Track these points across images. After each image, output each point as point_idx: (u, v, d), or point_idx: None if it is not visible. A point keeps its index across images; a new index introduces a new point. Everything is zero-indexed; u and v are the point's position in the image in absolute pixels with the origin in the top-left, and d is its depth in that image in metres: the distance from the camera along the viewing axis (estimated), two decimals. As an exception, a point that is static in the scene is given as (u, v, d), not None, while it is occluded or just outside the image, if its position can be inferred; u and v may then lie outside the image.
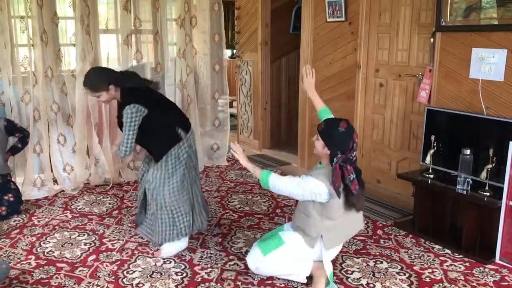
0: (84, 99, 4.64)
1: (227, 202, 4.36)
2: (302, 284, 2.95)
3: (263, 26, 5.83)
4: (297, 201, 2.92)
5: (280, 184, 2.71)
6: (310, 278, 2.91)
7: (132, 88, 3.17)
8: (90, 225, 3.84)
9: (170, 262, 3.22)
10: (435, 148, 3.62)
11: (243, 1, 6.08)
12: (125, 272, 3.09)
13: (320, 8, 4.84)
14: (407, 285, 2.95)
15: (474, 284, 2.98)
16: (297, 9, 5.92)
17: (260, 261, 2.84)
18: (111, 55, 4.89)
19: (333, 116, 2.99)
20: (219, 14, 5.42)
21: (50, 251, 3.39)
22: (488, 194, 3.26)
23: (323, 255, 2.79)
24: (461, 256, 3.32)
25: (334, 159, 2.62)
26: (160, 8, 4.95)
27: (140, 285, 2.94)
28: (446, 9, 3.64)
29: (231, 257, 3.30)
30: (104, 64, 4.78)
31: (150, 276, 3.04)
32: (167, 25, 5.11)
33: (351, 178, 2.62)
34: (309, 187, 2.65)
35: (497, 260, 3.24)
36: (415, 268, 3.16)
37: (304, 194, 2.67)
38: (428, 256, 3.33)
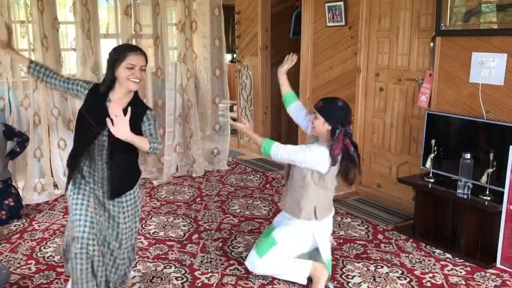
0: (84, 103, 4.64)
1: (227, 206, 4.36)
2: (302, 285, 2.95)
3: (263, 30, 5.84)
4: (287, 179, 3.00)
5: (283, 151, 2.76)
6: (310, 280, 2.91)
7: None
8: (90, 229, 3.84)
9: (171, 267, 3.21)
10: (436, 152, 3.62)
11: (243, 5, 6.09)
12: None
13: (320, 12, 4.85)
14: (408, 290, 2.95)
15: (475, 288, 2.98)
16: (297, 14, 5.93)
17: (257, 263, 2.90)
18: (112, 59, 4.89)
19: (298, 101, 3.20)
20: (220, 19, 5.44)
21: (51, 255, 3.38)
22: (488, 198, 3.25)
23: (317, 239, 2.87)
24: (462, 260, 3.31)
25: (337, 131, 2.74)
26: (160, 12, 4.97)
27: (140, 290, 2.94)
28: (446, 14, 3.65)
29: (231, 261, 3.29)
30: (104, 68, 4.77)
31: (150, 281, 3.03)
32: (167, 30, 5.13)
33: (352, 151, 2.75)
34: (314, 154, 2.73)
35: (498, 264, 3.24)
36: (415, 272, 3.15)
37: (307, 160, 2.73)
38: (429, 260, 3.32)
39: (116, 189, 2.49)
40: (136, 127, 2.37)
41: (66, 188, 2.55)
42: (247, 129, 2.99)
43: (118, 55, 2.42)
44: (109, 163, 2.44)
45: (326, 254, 2.92)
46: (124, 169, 2.50)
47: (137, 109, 2.43)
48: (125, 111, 2.26)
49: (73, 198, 2.50)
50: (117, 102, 2.43)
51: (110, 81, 2.45)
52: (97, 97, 2.46)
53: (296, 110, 3.20)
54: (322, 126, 2.79)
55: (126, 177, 2.53)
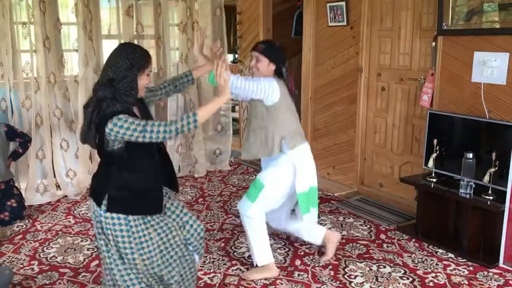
0: (86, 104, 4.64)
1: (229, 206, 4.36)
2: (305, 285, 2.95)
3: (265, 30, 5.84)
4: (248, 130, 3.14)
5: (241, 80, 2.86)
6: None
7: None
8: (93, 230, 3.84)
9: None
10: (438, 152, 3.61)
11: (245, 6, 6.09)
12: (128, 278, 3.08)
13: (321, 12, 4.85)
14: (411, 290, 2.95)
15: (478, 288, 2.97)
16: (298, 14, 5.94)
17: (251, 208, 3.05)
18: (114, 60, 4.90)
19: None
20: (221, 19, 5.44)
21: (53, 256, 3.39)
22: (491, 198, 3.25)
23: (297, 169, 3.02)
24: (464, 260, 3.31)
25: (283, 70, 3.01)
26: (162, 13, 4.97)
27: (143, 290, 2.93)
28: (448, 13, 3.64)
29: (234, 262, 3.30)
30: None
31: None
32: (169, 30, 5.13)
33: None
34: (266, 82, 2.91)
35: (501, 264, 3.23)
36: (418, 272, 3.15)
37: (258, 87, 2.88)
38: (431, 260, 3.32)
39: (176, 183, 2.49)
40: (148, 113, 2.37)
41: (161, 209, 2.29)
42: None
43: (143, 60, 2.18)
44: (164, 159, 2.39)
45: (303, 187, 3.05)
46: (171, 162, 2.49)
47: (143, 103, 2.38)
48: (143, 113, 2.28)
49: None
50: (135, 108, 2.26)
51: (135, 86, 2.17)
52: (129, 113, 2.16)
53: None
54: (267, 67, 2.99)
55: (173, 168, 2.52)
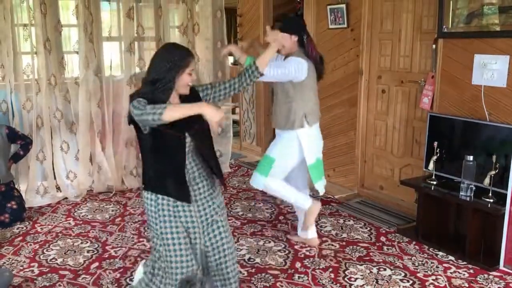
0: (87, 106, 4.66)
1: (230, 209, 4.36)
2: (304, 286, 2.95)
3: (265, 33, 5.84)
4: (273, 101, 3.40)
5: (270, 73, 2.98)
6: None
7: None
8: (93, 232, 3.84)
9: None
10: (438, 155, 3.61)
11: (245, 8, 6.10)
12: (128, 280, 3.08)
13: (322, 15, 4.85)
14: (411, 293, 2.94)
15: (478, 291, 2.97)
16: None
17: (265, 182, 3.32)
18: (114, 62, 4.91)
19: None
20: (222, 21, 5.44)
21: (53, 258, 3.39)
22: (491, 200, 3.25)
23: (304, 145, 3.27)
24: (465, 263, 3.31)
25: (304, 38, 3.15)
26: (163, 15, 4.98)
27: (143, 292, 2.93)
28: (448, 16, 3.64)
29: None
30: (107, 72, 4.79)
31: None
32: (170, 32, 5.13)
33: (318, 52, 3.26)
34: (293, 63, 3.07)
35: (501, 267, 3.23)
36: (418, 275, 3.15)
37: (288, 71, 3.05)
38: (431, 263, 3.32)
39: (220, 171, 2.51)
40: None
41: (188, 197, 2.36)
42: (231, 47, 3.21)
43: (182, 61, 2.27)
44: (203, 156, 2.41)
45: (311, 159, 3.32)
46: (214, 153, 2.52)
47: (191, 99, 2.39)
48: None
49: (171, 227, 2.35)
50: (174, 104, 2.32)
51: (171, 87, 2.27)
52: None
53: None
54: (290, 40, 3.14)
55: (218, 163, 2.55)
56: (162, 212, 2.34)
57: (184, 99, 2.38)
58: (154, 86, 2.25)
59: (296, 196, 3.41)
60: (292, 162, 3.36)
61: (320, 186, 3.48)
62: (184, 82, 2.32)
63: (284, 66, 3.07)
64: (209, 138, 2.48)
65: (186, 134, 2.31)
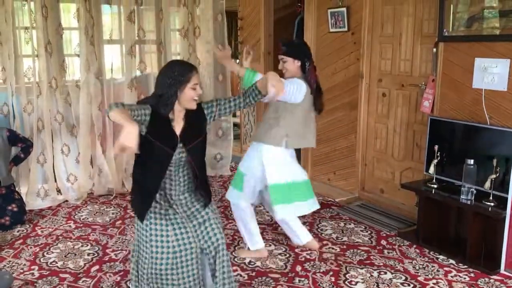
0: (88, 109, 4.66)
1: (230, 212, 4.34)
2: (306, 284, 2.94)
3: (266, 36, 5.85)
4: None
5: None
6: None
7: None
8: (93, 235, 3.84)
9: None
10: (439, 158, 3.61)
11: (246, 11, 6.11)
12: (128, 283, 3.07)
13: (322, 18, 4.86)
14: (412, 296, 2.94)
15: (479, 295, 2.96)
16: (299, 20, 5.95)
17: (238, 196, 3.35)
18: (115, 65, 4.92)
19: (259, 74, 3.13)
20: (222, 25, 5.46)
21: (54, 261, 3.39)
22: (492, 204, 3.24)
23: (265, 164, 3.22)
24: (465, 266, 3.30)
25: (306, 64, 3.17)
26: (163, 18, 4.99)
27: (143, 296, 2.93)
28: (449, 19, 3.65)
29: (234, 267, 3.28)
30: (108, 75, 4.80)
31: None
32: (170, 36, 5.15)
33: (318, 82, 3.27)
34: (293, 84, 3.08)
35: (502, 270, 3.22)
36: (419, 278, 3.14)
37: (289, 88, 3.03)
38: (432, 266, 3.31)
39: (208, 194, 2.57)
40: (204, 128, 2.48)
41: (142, 217, 2.39)
42: (224, 57, 3.17)
43: (183, 76, 2.32)
44: (195, 174, 2.47)
45: (271, 178, 3.22)
46: (204, 173, 2.58)
47: (196, 115, 2.45)
48: (187, 125, 2.40)
49: (156, 229, 2.39)
50: (177, 120, 2.41)
51: (172, 102, 2.34)
52: (160, 121, 2.34)
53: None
54: (293, 64, 3.18)
55: (207, 179, 2.63)
56: (154, 225, 2.38)
57: (190, 115, 2.42)
58: (158, 99, 2.33)
59: (251, 231, 3.41)
60: (254, 179, 3.31)
61: (279, 209, 3.26)
62: (188, 97, 2.34)
63: (286, 84, 3.03)
64: (204, 151, 2.54)
65: (177, 151, 2.38)
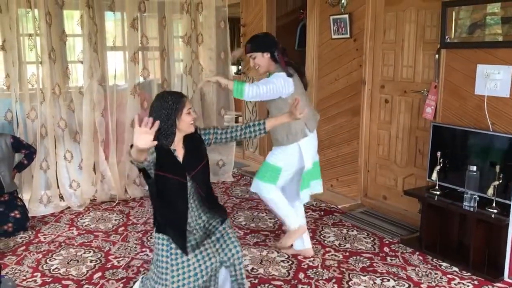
0: (91, 115, 4.67)
1: (233, 218, 4.35)
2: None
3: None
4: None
5: (254, 88, 3.08)
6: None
7: None
8: (96, 242, 3.84)
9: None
10: (441, 165, 3.60)
11: (249, 18, 6.13)
12: (130, 290, 3.08)
13: (325, 25, 4.87)
14: (415, 304, 2.93)
15: (483, 302, 2.95)
16: (302, 26, 5.97)
17: (272, 189, 3.37)
18: (118, 71, 4.94)
19: (246, 84, 3.21)
20: (225, 32, 5.48)
21: (56, 268, 3.39)
22: (495, 211, 3.23)
23: (303, 151, 3.31)
24: (469, 274, 3.29)
25: (275, 54, 3.21)
26: (167, 25, 5.02)
27: (145, 303, 2.92)
28: (451, 26, 3.65)
29: (245, 278, 3.27)
30: (111, 81, 4.81)
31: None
32: (173, 42, 5.17)
33: (294, 63, 3.30)
34: (278, 78, 3.12)
35: (506, 278, 3.21)
36: (422, 286, 3.13)
37: (276, 86, 3.10)
38: (435, 273, 3.30)
39: (223, 211, 2.62)
40: (204, 152, 2.54)
41: (186, 251, 2.39)
42: (212, 78, 3.28)
43: (178, 103, 2.36)
44: (203, 197, 2.50)
45: (309, 165, 3.34)
46: (212, 193, 2.64)
47: (194, 140, 2.51)
48: (187, 152, 2.45)
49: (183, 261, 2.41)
50: (178, 150, 2.45)
51: (173, 132, 2.37)
52: (164, 155, 2.36)
53: None
54: (263, 58, 3.22)
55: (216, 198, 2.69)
56: (176, 254, 2.40)
57: (188, 142, 2.48)
58: (158, 134, 2.26)
59: (288, 213, 3.46)
60: (293, 171, 3.43)
61: (306, 194, 3.46)
62: (186, 123, 2.40)
63: (271, 81, 3.13)
64: (208, 174, 2.58)
65: (188, 178, 2.41)
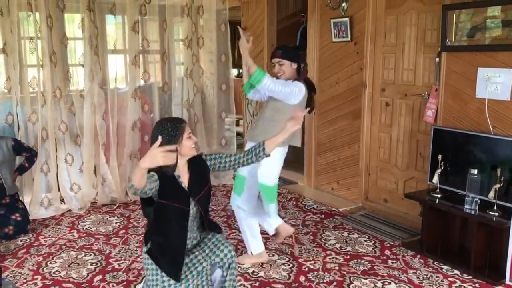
0: (92, 118, 4.68)
1: (233, 221, 4.35)
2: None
3: (269, 46, 5.88)
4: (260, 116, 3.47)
5: (272, 83, 3.14)
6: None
7: None
8: (96, 244, 3.84)
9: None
10: (442, 168, 3.60)
11: (250, 21, 6.14)
12: (131, 293, 3.07)
13: (325, 28, 4.88)
14: (416, 307, 2.92)
15: (484, 306, 2.94)
16: (302, 29, 5.98)
17: (237, 201, 3.47)
18: (119, 75, 4.95)
19: (267, 75, 3.24)
20: (226, 35, 5.49)
21: (57, 271, 3.38)
22: (496, 214, 3.23)
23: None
24: (470, 277, 3.28)
25: (302, 66, 3.38)
26: (167, 28, 5.02)
27: (146, 306, 2.92)
28: (451, 29, 3.66)
29: (237, 277, 3.27)
30: (112, 84, 4.82)
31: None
32: (174, 46, 5.18)
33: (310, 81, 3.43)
34: (295, 87, 3.23)
35: (507, 281, 3.20)
36: (423, 289, 3.13)
37: (288, 90, 3.19)
38: (436, 277, 3.29)
39: (218, 228, 2.68)
40: (208, 177, 2.55)
41: (178, 278, 2.38)
42: (245, 50, 3.26)
43: (177, 130, 2.38)
44: (203, 220, 2.54)
45: (263, 180, 3.34)
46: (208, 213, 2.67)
47: (198, 164, 2.53)
48: (193, 175, 2.48)
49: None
50: (183, 175, 2.46)
51: (177, 158, 2.35)
52: (168, 182, 2.36)
53: (256, 92, 3.58)
54: (290, 67, 3.32)
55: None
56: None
57: (194, 166, 2.50)
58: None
59: (253, 238, 3.53)
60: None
61: (274, 208, 3.41)
62: (187, 147, 2.42)
63: (289, 85, 3.21)
64: (209, 199, 2.61)
65: (191, 205, 2.43)
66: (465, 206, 3.35)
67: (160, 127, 2.40)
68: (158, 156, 2.07)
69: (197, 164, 2.52)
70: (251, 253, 3.51)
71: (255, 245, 3.50)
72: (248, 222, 3.48)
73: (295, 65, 3.34)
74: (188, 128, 2.45)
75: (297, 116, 2.68)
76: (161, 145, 2.14)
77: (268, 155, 2.60)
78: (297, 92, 3.23)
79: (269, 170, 3.31)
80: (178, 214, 2.41)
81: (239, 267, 3.42)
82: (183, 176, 2.47)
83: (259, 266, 3.45)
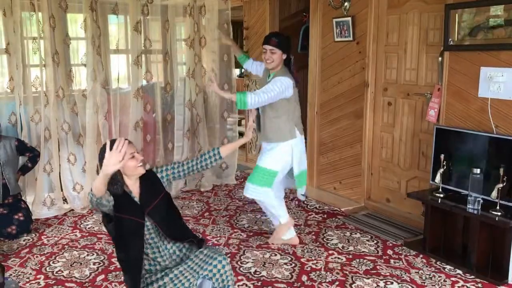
0: (94, 118, 4.69)
1: (235, 221, 4.35)
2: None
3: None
4: (258, 120, 3.68)
5: (257, 98, 3.28)
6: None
7: None
8: (99, 244, 3.85)
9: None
10: (445, 167, 3.60)
11: (252, 21, 6.15)
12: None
13: (327, 28, 4.88)
14: (418, 307, 2.92)
15: (487, 305, 2.93)
16: (305, 29, 5.97)
17: (267, 192, 3.58)
18: (122, 74, 4.96)
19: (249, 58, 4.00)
20: (228, 34, 5.48)
21: (59, 270, 3.39)
22: (499, 213, 3.22)
23: (294, 153, 3.61)
24: (472, 277, 3.27)
25: (291, 58, 3.47)
26: (169, 28, 5.03)
27: (148, 305, 2.92)
28: (454, 28, 3.65)
29: (239, 277, 3.28)
30: (114, 84, 4.82)
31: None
32: (176, 45, 5.19)
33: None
34: (282, 84, 3.35)
35: (510, 281, 3.20)
36: (426, 289, 3.12)
37: (276, 92, 3.34)
38: (439, 276, 3.29)
39: (199, 241, 2.63)
40: (161, 188, 2.56)
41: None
42: (215, 88, 3.44)
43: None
44: (168, 234, 2.52)
45: (301, 167, 3.68)
46: (181, 226, 2.67)
47: (150, 179, 2.55)
48: (142, 190, 2.48)
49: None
50: (134, 191, 2.48)
51: (121, 178, 2.40)
52: (121, 198, 2.38)
53: (250, 64, 4.03)
54: (281, 57, 3.45)
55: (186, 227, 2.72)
56: (150, 279, 2.47)
57: (145, 182, 2.51)
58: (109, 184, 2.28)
59: (280, 209, 3.75)
60: (285, 172, 3.69)
61: (303, 191, 3.83)
62: (131, 168, 2.41)
63: (271, 89, 3.35)
64: (169, 209, 2.58)
65: (146, 217, 2.43)
66: (468, 206, 3.35)
67: (102, 150, 2.35)
68: (113, 157, 2.10)
69: (147, 179, 2.53)
70: (280, 222, 3.72)
71: (285, 214, 3.75)
72: (269, 202, 3.66)
73: (284, 56, 3.48)
74: (131, 148, 2.41)
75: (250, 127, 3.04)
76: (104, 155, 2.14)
77: (221, 158, 2.72)
78: (284, 89, 3.39)
79: (270, 156, 3.58)
80: (135, 227, 2.41)
81: (242, 268, 3.42)
82: (135, 191, 2.48)
83: (261, 265, 3.45)
